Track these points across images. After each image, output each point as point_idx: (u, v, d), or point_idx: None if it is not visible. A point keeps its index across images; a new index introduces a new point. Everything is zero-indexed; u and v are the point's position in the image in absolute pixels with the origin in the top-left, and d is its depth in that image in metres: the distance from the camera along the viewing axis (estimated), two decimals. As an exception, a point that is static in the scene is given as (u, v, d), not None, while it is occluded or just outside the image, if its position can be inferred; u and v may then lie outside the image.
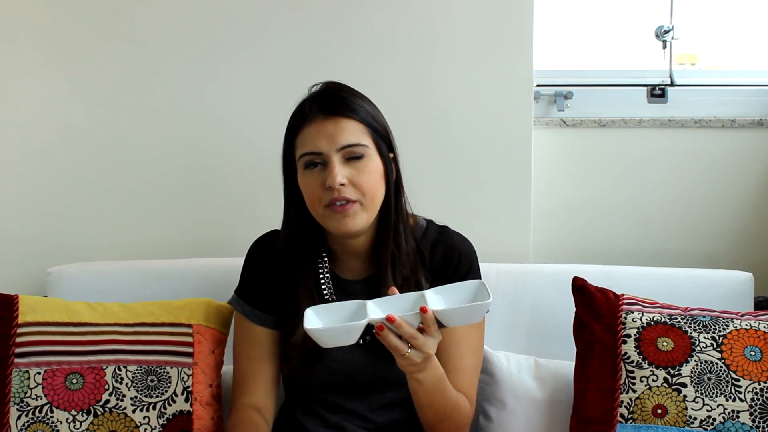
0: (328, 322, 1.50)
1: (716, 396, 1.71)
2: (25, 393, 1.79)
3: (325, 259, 1.76)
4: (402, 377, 1.63)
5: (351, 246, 1.73)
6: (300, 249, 1.72)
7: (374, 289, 1.71)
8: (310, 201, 1.65)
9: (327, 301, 1.72)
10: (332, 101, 1.65)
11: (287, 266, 1.74)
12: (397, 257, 1.69)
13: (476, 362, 1.74)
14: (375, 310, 1.48)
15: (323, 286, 1.75)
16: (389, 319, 1.44)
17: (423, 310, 1.44)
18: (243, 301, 1.79)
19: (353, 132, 1.63)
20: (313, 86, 1.71)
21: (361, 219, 1.64)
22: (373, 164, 1.64)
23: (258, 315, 1.77)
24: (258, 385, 1.75)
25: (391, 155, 1.70)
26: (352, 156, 1.62)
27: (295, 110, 1.69)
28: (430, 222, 1.81)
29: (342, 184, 1.60)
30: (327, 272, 1.75)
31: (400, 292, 1.54)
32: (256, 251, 1.81)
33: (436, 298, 1.49)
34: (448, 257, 1.75)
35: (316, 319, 1.50)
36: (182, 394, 1.80)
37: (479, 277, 1.74)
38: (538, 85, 2.36)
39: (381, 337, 1.46)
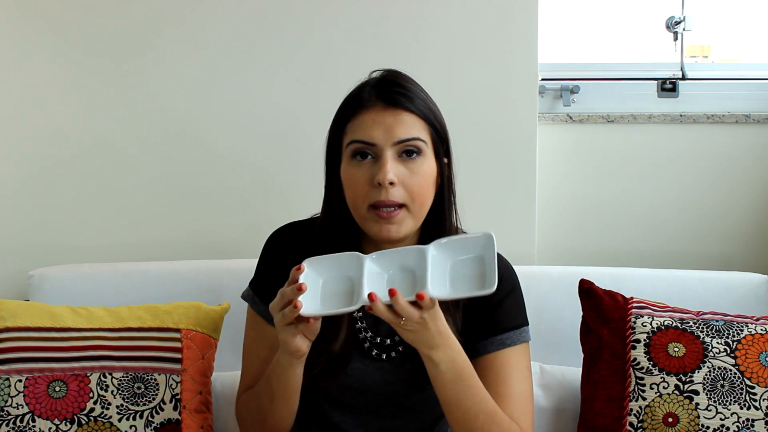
0: (327, 276, 1.45)
1: (730, 404, 1.70)
2: (6, 401, 1.77)
3: None
4: (413, 403, 1.58)
5: None
6: (336, 248, 1.60)
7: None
8: (353, 197, 1.53)
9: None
10: (394, 91, 1.54)
11: None
12: None
13: (525, 388, 1.60)
14: (373, 273, 1.41)
15: None
16: (391, 294, 1.35)
17: (420, 297, 1.35)
18: (259, 300, 1.65)
19: (413, 127, 1.53)
20: (373, 72, 1.62)
21: (407, 226, 1.53)
22: (428, 166, 1.54)
23: None
24: None
25: (446, 160, 1.60)
26: (407, 152, 1.52)
27: (350, 94, 1.60)
28: None
29: (392, 183, 1.49)
30: None
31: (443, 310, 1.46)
32: (276, 244, 1.68)
33: (439, 259, 1.41)
34: None
35: (315, 277, 1.44)
36: (171, 401, 1.78)
37: (522, 304, 1.64)
38: (543, 79, 2.35)
39: (374, 309, 1.37)
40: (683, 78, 2.38)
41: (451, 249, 1.44)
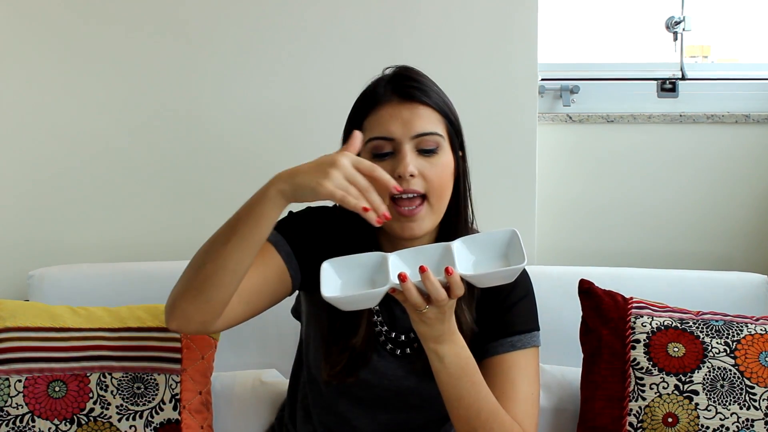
0: (347, 277, 1.43)
1: (729, 404, 1.70)
2: (5, 401, 1.77)
3: None
4: (422, 400, 1.58)
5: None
6: (351, 244, 1.59)
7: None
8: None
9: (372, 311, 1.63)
10: (409, 85, 1.56)
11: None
12: None
13: (532, 391, 1.59)
14: (399, 266, 1.40)
15: None
16: (421, 270, 1.34)
17: (448, 272, 1.35)
18: (276, 231, 1.59)
19: (430, 120, 1.54)
20: (386, 68, 1.63)
21: (428, 222, 1.54)
22: (446, 158, 1.55)
23: (288, 252, 1.59)
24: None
25: (460, 153, 1.61)
26: (425, 147, 1.53)
27: (365, 90, 1.60)
28: None
29: (412, 175, 1.50)
30: None
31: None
32: (315, 213, 1.66)
33: (464, 253, 1.42)
34: None
35: (334, 278, 1.42)
36: (170, 402, 1.79)
37: (535, 310, 1.65)
38: (542, 79, 2.34)
39: (403, 289, 1.35)
40: (683, 78, 2.37)
41: (477, 244, 1.44)
